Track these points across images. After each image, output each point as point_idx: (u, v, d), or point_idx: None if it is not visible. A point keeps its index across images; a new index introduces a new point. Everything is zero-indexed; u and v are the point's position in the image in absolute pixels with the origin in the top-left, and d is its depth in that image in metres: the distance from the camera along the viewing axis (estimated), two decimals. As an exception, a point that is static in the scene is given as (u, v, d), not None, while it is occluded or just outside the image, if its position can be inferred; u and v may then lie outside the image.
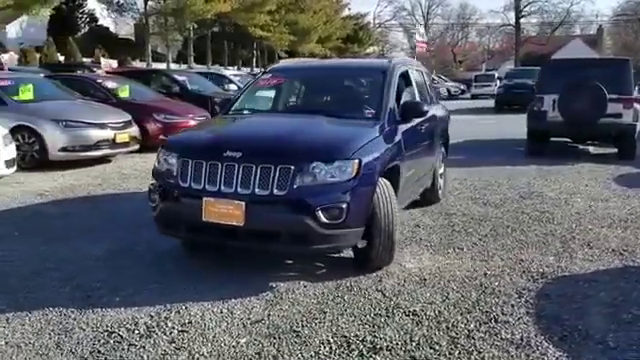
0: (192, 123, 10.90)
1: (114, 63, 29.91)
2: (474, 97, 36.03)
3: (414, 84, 6.28)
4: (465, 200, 7.38)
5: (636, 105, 11.08)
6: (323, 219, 4.14)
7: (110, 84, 12.64)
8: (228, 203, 4.18)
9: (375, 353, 3.34)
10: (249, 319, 3.76)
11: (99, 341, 3.43)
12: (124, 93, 12.31)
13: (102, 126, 9.86)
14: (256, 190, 4.17)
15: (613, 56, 38.13)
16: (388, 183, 4.65)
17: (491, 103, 26.77)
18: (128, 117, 10.51)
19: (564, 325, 3.72)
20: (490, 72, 43.09)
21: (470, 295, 4.23)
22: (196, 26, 33.16)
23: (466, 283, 4.47)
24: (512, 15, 61.75)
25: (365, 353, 3.34)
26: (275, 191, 4.15)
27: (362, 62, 8.36)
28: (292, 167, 4.15)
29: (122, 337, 3.48)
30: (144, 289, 4.24)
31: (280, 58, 36.37)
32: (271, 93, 6.21)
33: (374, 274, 4.60)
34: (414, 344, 3.46)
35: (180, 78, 15.62)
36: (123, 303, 3.98)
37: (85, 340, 3.45)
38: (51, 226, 6.02)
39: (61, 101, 10.57)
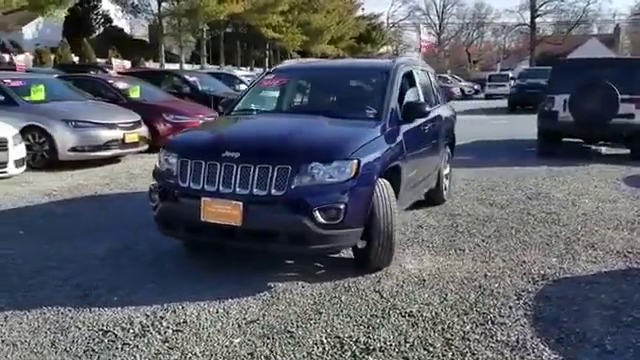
0: (201, 123, 10.94)
1: (128, 64, 30.15)
2: (488, 97, 35.81)
3: (418, 84, 6.25)
4: (471, 201, 7.34)
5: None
6: (321, 219, 4.14)
7: (121, 85, 12.74)
8: (226, 203, 4.19)
9: (368, 354, 3.33)
10: (244, 319, 3.77)
11: (94, 340, 3.45)
12: (134, 94, 12.39)
13: (111, 126, 9.94)
14: (254, 190, 4.18)
15: (630, 56, 37.71)
16: (388, 183, 4.63)
17: (505, 103, 26.58)
18: (137, 117, 10.58)
19: (562, 327, 3.69)
20: (504, 72, 42.74)
21: (468, 296, 4.20)
22: (209, 27, 33.30)
23: (465, 284, 4.44)
24: (527, 14, 61.31)
25: (358, 354, 3.33)
26: (273, 191, 4.16)
27: (365, 62, 8.36)
28: (290, 167, 4.16)
29: (117, 336, 3.50)
30: (142, 288, 4.26)
31: (292, 59, 36.39)
32: (274, 93, 6.21)
33: (373, 275, 4.59)
34: (408, 345, 3.44)
35: (191, 79, 15.71)
36: (120, 302, 4.00)
37: (80, 339, 3.47)
38: (56, 225, 6.08)
39: (72, 101, 10.66)
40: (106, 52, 31.13)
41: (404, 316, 3.84)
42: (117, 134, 9.96)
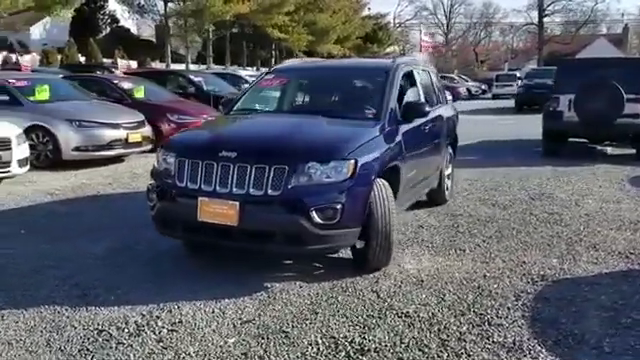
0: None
1: (134, 64, 30.24)
2: (495, 97, 35.68)
3: (419, 84, 6.22)
4: (473, 201, 7.30)
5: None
6: (317, 219, 4.12)
7: (126, 85, 12.77)
8: (222, 203, 4.18)
9: (362, 354, 3.31)
10: (240, 319, 3.76)
11: (88, 339, 3.46)
12: (139, 93, 12.42)
13: (115, 126, 9.96)
14: (250, 190, 4.17)
15: (638, 55, 37.47)
16: (386, 183, 4.61)
17: (512, 103, 26.45)
18: (141, 117, 10.60)
19: (560, 329, 3.66)
20: (512, 72, 42.56)
21: (466, 297, 4.17)
22: (215, 28, 33.36)
23: (464, 285, 4.41)
24: (535, 14, 61.07)
25: (352, 354, 3.31)
26: (269, 191, 4.14)
27: (366, 62, 8.33)
28: (286, 167, 4.14)
29: (111, 335, 3.50)
30: (139, 288, 4.26)
31: (298, 58, 36.39)
32: (274, 93, 6.21)
33: (371, 275, 4.57)
34: (403, 346, 3.42)
35: (196, 79, 15.74)
36: (117, 302, 4.00)
37: (75, 338, 3.47)
38: (57, 225, 6.09)
39: (76, 101, 10.70)
40: (113, 52, 31.23)
41: (400, 317, 3.82)
42: (120, 134, 9.98)
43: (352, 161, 4.29)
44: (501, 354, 3.34)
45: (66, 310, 3.87)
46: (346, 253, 4.89)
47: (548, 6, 60.20)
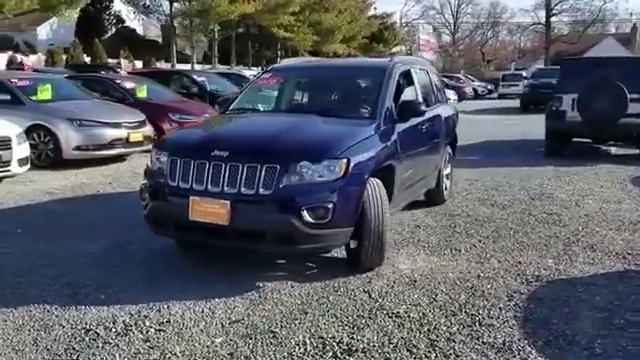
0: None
1: (139, 64, 30.33)
2: (501, 97, 35.55)
3: (416, 83, 6.18)
4: (472, 201, 7.25)
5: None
6: (309, 219, 4.10)
7: (128, 84, 12.80)
8: (213, 202, 4.16)
9: (349, 355, 3.29)
10: (229, 319, 3.74)
11: (75, 338, 3.45)
12: (141, 93, 12.44)
13: (116, 125, 9.97)
14: (242, 189, 4.15)
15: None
16: (380, 183, 4.58)
17: (518, 103, 26.32)
18: (142, 117, 10.61)
19: (551, 329, 3.62)
20: (518, 71, 42.36)
21: (459, 297, 4.14)
22: (220, 28, 33.40)
23: (457, 285, 4.38)
24: (543, 14, 60.79)
25: (339, 355, 3.29)
26: (261, 190, 4.12)
27: (363, 61, 8.31)
28: (278, 166, 4.12)
29: (98, 335, 3.49)
30: (131, 287, 4.25)
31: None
32: (270, 92, 6.19)
33: (365, 275, 4.54)
34: (391, 346, 3.39)
35: (199, 79, 15.75)
36: (107, 301, 3.99)
37: (62, 337, 3.47)
38: (54, 224, 6.10)
39: (77, 101, 10.71)
40: (118, 52, 31.32)
41: (391, 317, 3.80)
42: (121, 133, 9.99)
43: (344, 160, 4.26)
44: (490, 355, 3.31)
45: (56, 309, 3.86)
46: (340, 253, 4.87)
47: (555, 5, 59.89)
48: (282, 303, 4.00)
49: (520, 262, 4.93)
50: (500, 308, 3.95)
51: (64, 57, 27.32)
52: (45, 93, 10.36)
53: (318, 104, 5.74)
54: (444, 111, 7.11)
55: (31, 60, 23.54)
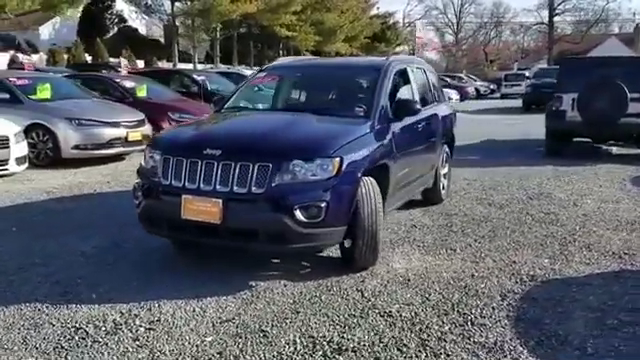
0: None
1: (141, 63, 30.35)
2: (504, 97, 35.51)
3: (413, 82, 6.16)
4: (470, 200, 7.23)
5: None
6: (301, 218, 4.08)
7: (128, 84, 12.81)
8: (205, 201, 4.15)
9: (339, 354, 3.27)
10: (220, 318, 3.72)
11: (65, 337, 3.43)
12: (141, 92, 12.44)
13: (115, 124, 9.97)
14: (234, 188, 4.13)
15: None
16: (374, 182, 4.55)
17: (520, 103, 26.26)
18: (141, 116, 10.60)
19: (543, 329, 3.60)
20: (520, 71, 42.25)
21: (452, 297, 4.12)
22: (222, 27, 33.42)
23: (450, 284, 4.36)
24: (546, 13, 60.68)
25: (329, 354, 3.27)
26: (253, 189, 4.10)
27: (358, 60, 8.32)
28: (270, 165, 4.10)
29: (88, 333, 3.47)
30: (122, 286, 4.24)
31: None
32: (266, 91, 6.18)
33: (358, 274, 4.52)
34: (382, 345, 3.37)
35: (199, 78, 15.72)
36: (98, 300, 3.98)
37: (52, 336, 3.45)
38: (49, 222, 6.09)
39: (76, 100, 10.71)
40: (120, 52, 31.34)
41: (382, 316, 3.78)
42: (120, 132, 9.99)
43: (337, 159, 4.24)
44: (481, 354, 3.29)
45: (46, 308, 3.85)
46: (334, 252, 4.85)
47: (559, 5, 59.80)
48: (274, 302, 3.99)
49: (515, 262, 4.90)
50: (493, 308, 3.93)
51: (65, 56, 27.34)
52: (44, 92, 10.36)
53: (313, 103, 5.73)
54: (441, 110, 7.07)
55: (32, 59, 23.53)
